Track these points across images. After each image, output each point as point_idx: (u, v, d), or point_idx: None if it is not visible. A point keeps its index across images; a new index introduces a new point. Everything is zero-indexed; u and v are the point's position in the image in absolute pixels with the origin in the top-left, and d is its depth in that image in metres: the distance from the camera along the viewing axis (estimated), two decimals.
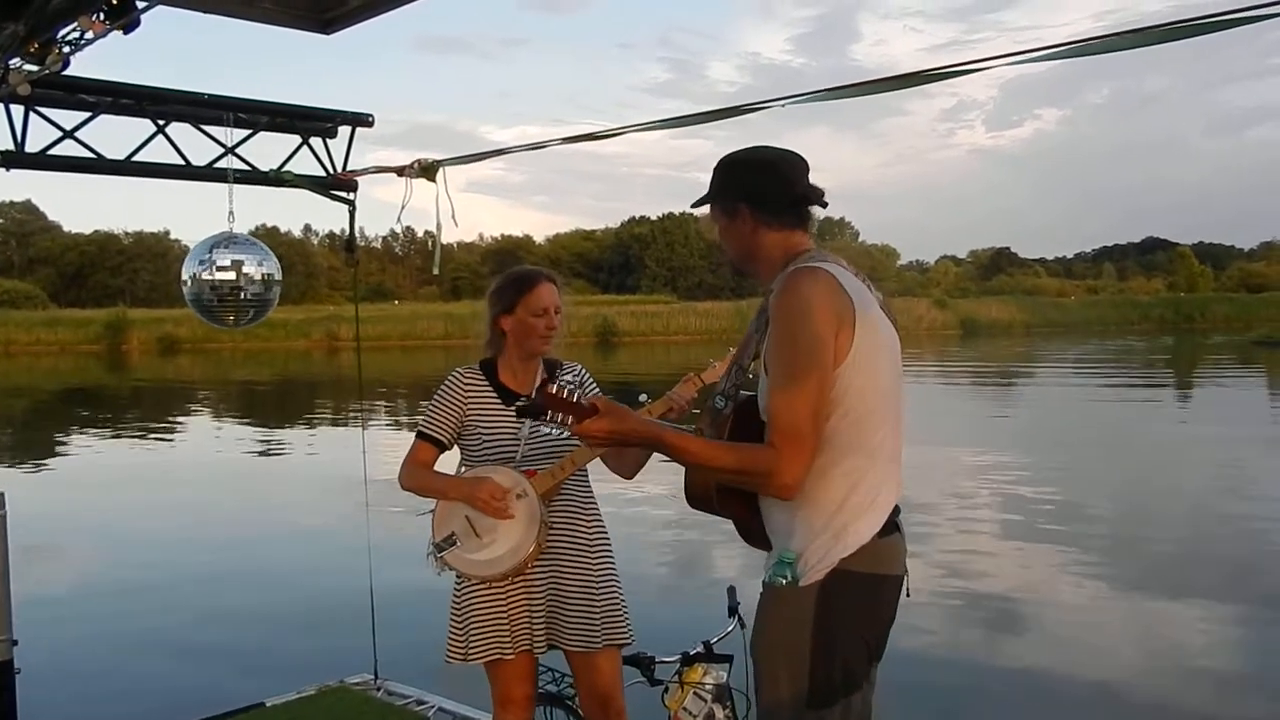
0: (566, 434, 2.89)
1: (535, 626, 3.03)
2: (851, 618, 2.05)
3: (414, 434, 3.13)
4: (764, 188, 2.22)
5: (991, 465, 13.06)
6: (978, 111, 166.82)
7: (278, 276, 4.27)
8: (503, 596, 3.03)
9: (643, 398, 3.04)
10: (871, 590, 2.08)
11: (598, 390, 3.22)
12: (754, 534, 2.23)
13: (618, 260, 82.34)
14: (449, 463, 3.15)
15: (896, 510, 2.14)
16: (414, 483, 3.07)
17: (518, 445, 3.04)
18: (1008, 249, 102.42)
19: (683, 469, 2.17)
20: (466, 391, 3.12)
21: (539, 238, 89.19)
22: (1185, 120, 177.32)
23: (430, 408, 3.13)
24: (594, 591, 3.07)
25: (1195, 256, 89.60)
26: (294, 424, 20.13)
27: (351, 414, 19.79)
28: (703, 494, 2.20)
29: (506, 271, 3.25)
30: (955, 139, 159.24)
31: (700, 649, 3.28)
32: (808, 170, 2.25)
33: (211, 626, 6.57)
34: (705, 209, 2.32)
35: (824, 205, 2.26)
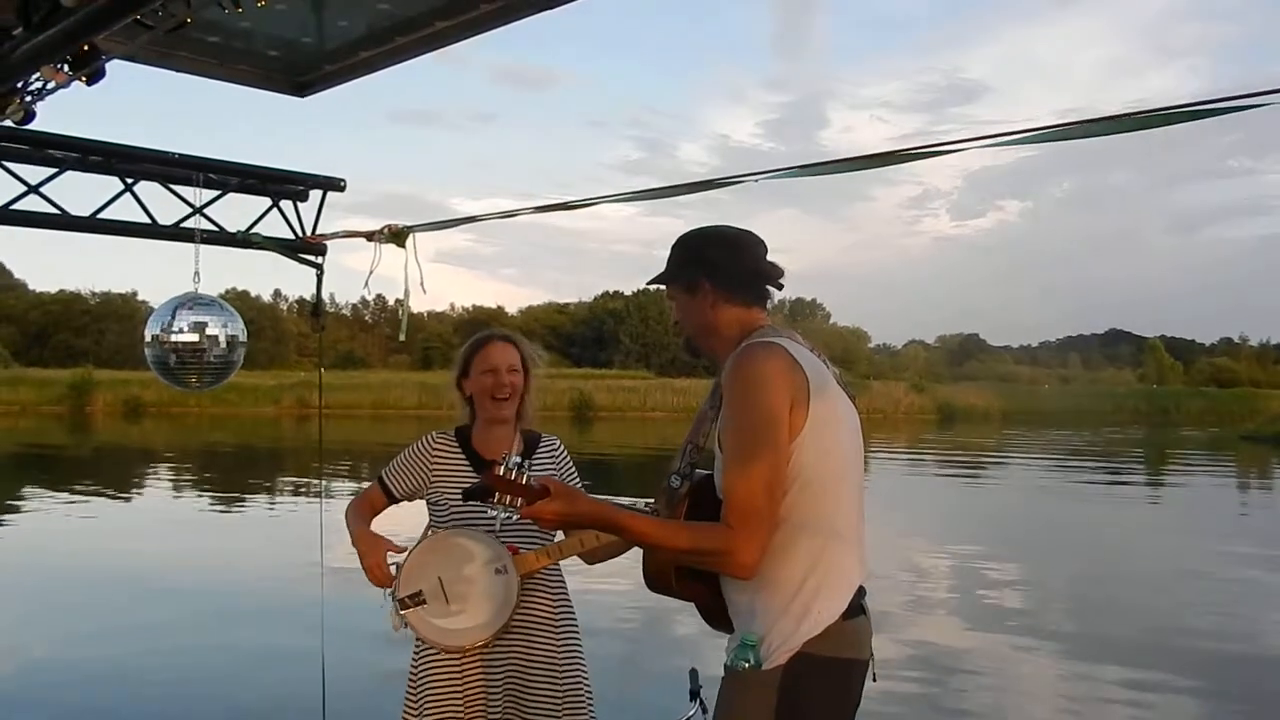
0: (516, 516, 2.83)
1: (491, 706, 2.93)
2: (816, 704, 1.99)
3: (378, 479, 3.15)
4: (725, 263, 2.21)
5: (980, 558, 12.90)
6: (942, 200, 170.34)
7: (242, 338, 4.18)
8: (459, 670, 2.94)
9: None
10: (836, 675, 2.02)
11: (574, 469, 3.19)
12: (716, 616, 2.17)
13: (590, 334, 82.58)
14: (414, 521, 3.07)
15: (861, 591, 2.09)
16: (349, 515, 3.09)
17: (495, 517, 2.96)
18: (976, 335, 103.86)
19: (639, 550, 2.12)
20: (434, 456, 3.08)
21: (511, 309, 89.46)
22: (1144, 216, 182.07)
23: (397, 459, 3.12)
24: (557, 673, 2.99)
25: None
26: (253, 492, 19.74)
27: (313, 483, 19.45)
28: (661, 577, 2.15)
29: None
30: (920, 226, 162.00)
31: None
32: (766, 249, 2.25)
33: (155, 703, 6.30)
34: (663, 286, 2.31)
35: (780, 287, 2.25)
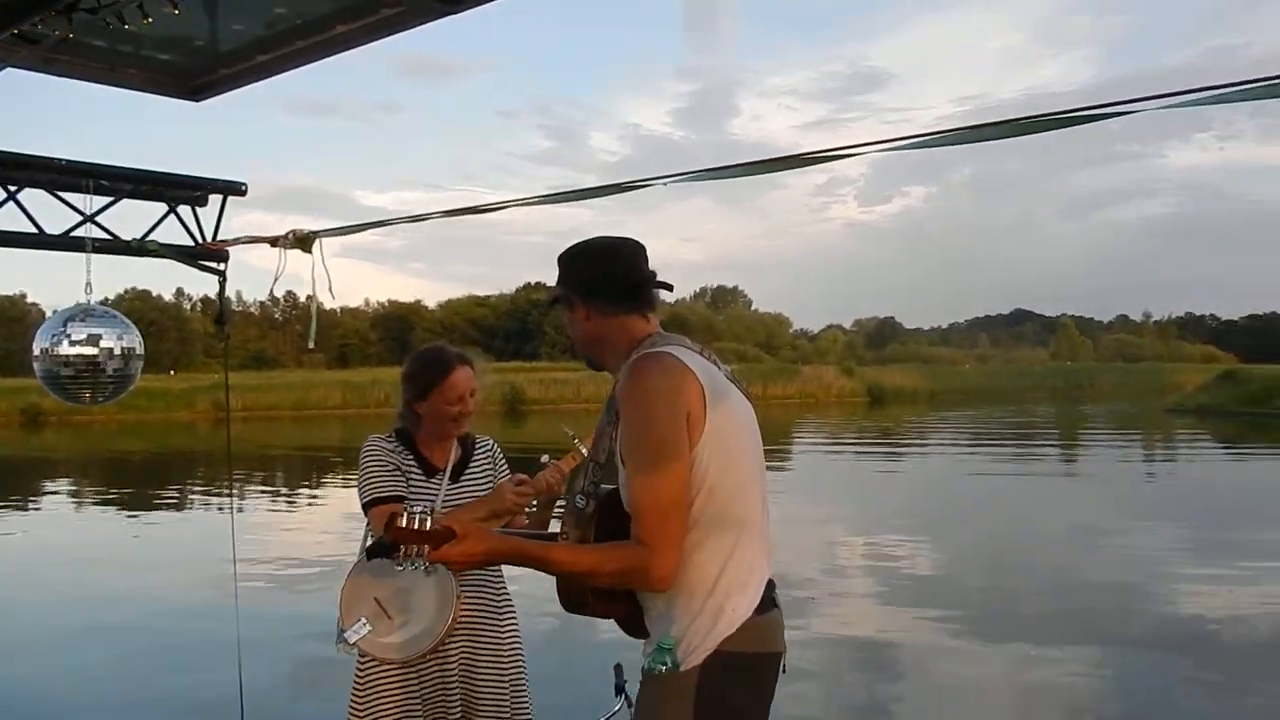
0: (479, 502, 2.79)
1: (450, 705, 2.94)
2: (733, 701, 2.02)
3: (367, 508, 2.94)
4: (599, 278, 2.22)
5: (913, 541, 13.21)
6: (850, 187, 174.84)
7: (139, 350, 4.04)
8: (415, 675, 2.93)
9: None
10: (752, 670, 2.05)
11: (506, 468, 3.20)
12: (635, 625, 2.18)
13: (515, 326, 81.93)
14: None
15: (771, 585, 2.12)
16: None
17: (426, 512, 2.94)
18: (891, 318, 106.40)
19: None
20: (394, 457, 3.01)
21: (429, 303, 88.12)
22: (1039, 200, 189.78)
23: (370, 475, 2.97)
24: (504, 665, 3.03)
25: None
26: (162, 500, 19.11)
27: (223, 490, 18.93)
28: (578, 598, 2.14)
29: (418, 353, 3.15)
30: (830, 212, 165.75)
31: None
32: (646, 256, 2.25)
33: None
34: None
35: (668, 287, 2.24)
